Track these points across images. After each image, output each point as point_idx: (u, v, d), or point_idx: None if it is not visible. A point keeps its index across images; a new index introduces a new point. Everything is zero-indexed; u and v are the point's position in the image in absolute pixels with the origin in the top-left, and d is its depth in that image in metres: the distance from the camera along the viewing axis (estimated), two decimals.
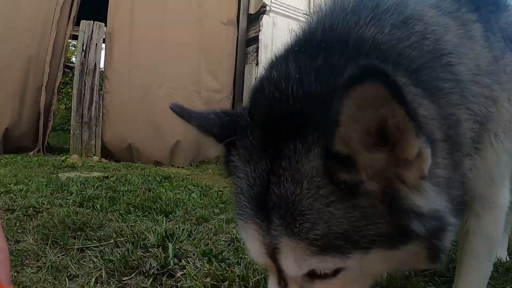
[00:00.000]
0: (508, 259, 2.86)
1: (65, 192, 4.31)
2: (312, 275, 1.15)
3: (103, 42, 9.14)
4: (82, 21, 8.88)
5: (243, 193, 1.18)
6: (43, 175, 5.56)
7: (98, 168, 6.93)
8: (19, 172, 5.76)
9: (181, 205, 3.87)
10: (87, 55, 8.73)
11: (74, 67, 9.71)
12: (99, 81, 9.07)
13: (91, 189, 4.51)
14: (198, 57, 9.74)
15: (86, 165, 7.12)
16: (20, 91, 8.63)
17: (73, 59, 18.53)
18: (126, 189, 4.62)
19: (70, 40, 9.81)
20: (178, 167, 8.63)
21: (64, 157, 7.81)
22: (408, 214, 1.07)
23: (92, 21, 8.86)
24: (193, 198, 4.30)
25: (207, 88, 9.77)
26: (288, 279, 1.20)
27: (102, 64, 9.19)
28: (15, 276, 2.09)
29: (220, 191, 4.88)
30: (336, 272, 1.14)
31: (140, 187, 4.79)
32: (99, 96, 8.82)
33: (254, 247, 1.20)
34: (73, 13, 9.07)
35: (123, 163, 8.01)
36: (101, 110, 8.85)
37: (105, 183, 4.99)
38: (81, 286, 2.03)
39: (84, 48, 8.77)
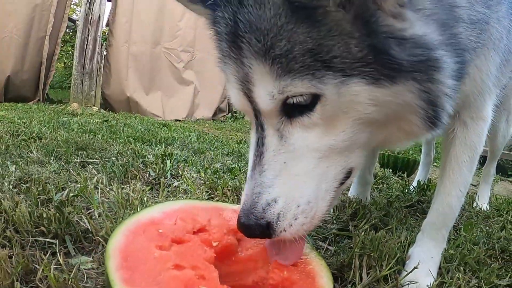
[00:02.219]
0: (488, 209, 3.04)
1: (66, 127, 4.43)
2: (289, 113, 1.15)
3: None
4: None
5: (221, 34, 1.20)
6: (44, 117, 5.68)
7: (97, 116, 7.04)
8: (21, 114, 5.89)
9: (179, 140, 4.00)
10: (92, 6, 8.79)
11: (75, 20, 9.81)
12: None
13: (93, 125, 4.64)
14: (195, 20, 9.89)
15: (86, 114, 7.24)
16: (23, 40, 8.69)
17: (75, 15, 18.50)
18: (126, 128, 4.75)
19: None
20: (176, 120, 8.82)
21: (64, 106, 7.91)
22: (386, 37, 1.06)
23: None
24: (191, 139, 4.42)
25: (201, 49, 9.91)
26: (264, 121, 1.20)
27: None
28: (20, 169, 2.22)
29: (217, 136, 5.03)
30: (313, 103, 1.11)
31: (140, 128, 4.92)
32: (101, 47, 8.91)
33: (232, 88, 1.23)
34: None
35: (122, 113, 8.13)
36: (103, 62, 8.96)
37: (105, 125, 5.11)
38: (83, 180, 2.13)
39: None
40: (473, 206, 3.00)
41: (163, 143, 3.61)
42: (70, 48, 16.68)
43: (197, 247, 1.18)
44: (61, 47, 10.24)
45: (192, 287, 1.03)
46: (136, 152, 2.86)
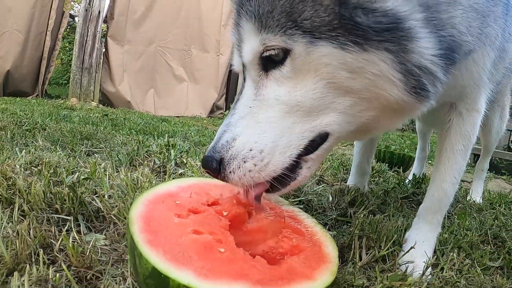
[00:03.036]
0: (481, 202, 3.14)
1: (67, 120, 4.49)
2: (266, 67, 1.26)
3: None
4: None
5: (233, 6, 1.36)
6: (44, 112, 5.75)
7: (97, 111, 7.10)
8: (21, 107, 5.95)
9: (180, 133, 4.07)
10: (92, 2, 8.86)
11: (74, 16, 9.90)
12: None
13: (93, 119, 4.71)
14: (188, 19, 10.08)
15: (85, 109, 7.30)
16: (24, 35, 8.76)
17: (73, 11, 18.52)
18: (127, 121, 4.82)
19: None
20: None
21: (63, 101, 7.97)
22: (355, 7, 1.15)
23: None
24: (191, 133, 4.49)
25: (196, 47, 10.04)
26: (247, 75, 1.33)
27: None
28: (30, 153, 2.29)
29: (215, 131, 5.08)
30: (284, 58, 1.21)
31: (140, 122, 4.99)
32: (100, 43, 8.99)
33: (234, 53, 1.41)
34: None
35: (121, 108, 8.19)
36: (101, 58, 9.05)
37: (106, 118, 5.18)
38: (92, 164, 2.20)
39: None
40: (467, 199, 3.10)
41: (166, 135, 3.67)
42: (67, 44, 16.69)
43: (213, 216, 1.26)
44: None
45: (212, 248, 1.10)
46: (140, 143, 2.92)
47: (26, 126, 3.55)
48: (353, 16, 1.15)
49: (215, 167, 1.25)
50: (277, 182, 1.29)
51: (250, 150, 1.24)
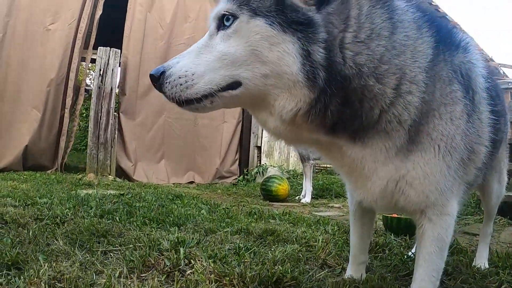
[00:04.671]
0: (487, 267, 3.13)
1: (86, 206, 4.72)
2: (218, 26, 1.71)
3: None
4: (99, 47, 9.47)
5: None
6: (63, 191, 6.00)
7: (113, 186, 7.37)
8: (40, 188, 6.23)
9: (191, 219, 4.27)
10: (104, 80, 9.26)
11: (89, 90, 10.36)
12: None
13: (109, 204, 4.94)
14: None
15: (102, 184, 7.57)
16: (40, 112, 9.14)
17: (88, 82, 19.12)
18: (141, 205, 5.04)
19: (83, 63, 10.46)
20: (188, 186, 9.14)
21: (81, 176, 8.26)
22: (288, 4, 1.62)
23: (109, 48, 9.45)
24: (202, 214, 4.68)
25: (202, 116, 10.46)
26: (209, 26, 1.76)
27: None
28: (52, 267, 2.50)
29: (228, 208, 5.29)
30: (232, 22, 1.65)
31: (154, 203, 5.22)
32: (114, 118, 9.35)
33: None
34: (92, 41, 9.71)
35: (136, 182, 8.44)
36: (116, 132, 9.40)
37: (122, 200, 5.43)
38: (107, 277, 2.41)
39: (101, 73, 9.31)
40: (472, 266, 3.09)
41: (176, 226, 3.86)
42: (84, 111, 17.11)
43: None
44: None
45: None
46: (152, 241, 3.13)
47: (46, 220, 3.78)
48: (284, 8, 1.61)
49: (157, 76, 1.70)
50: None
51: (186, 71, 1.67)
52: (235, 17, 1.64)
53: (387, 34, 1.67)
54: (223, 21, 1.68)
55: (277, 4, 1.61)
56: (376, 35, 1.66)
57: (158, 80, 1.70)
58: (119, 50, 9.68)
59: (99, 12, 9.78)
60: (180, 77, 1.67)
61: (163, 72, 1.70)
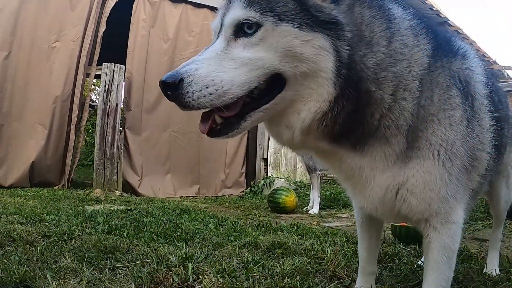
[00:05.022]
0: (498, 273, 3.12)
1: (93, 222, 4.72)
2: (236, 34, 1.66)
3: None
4: (104, 63, 9.53)
5: None
6: (71, 207, 6.00)
7: (120, 202, 7.35)
8: (48, 204, 6.23)
9: (199, 233, 4.25)
10: (109, 95, 9.30)
11: (95, 106, 10.42)
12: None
13: (116, 220, 4.92)
14: None
15: (109, 199, 7.56)
16: (47, 128, 9.18)
17: (93, 97, 19.22)
18: (149, 220, 5.03)
19: (87, 79, 10.52)
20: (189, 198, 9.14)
21: (88, 191, 8.26)
22: (312, 4, 1.63)
23: (113, 64, 9.50)
24: (210, 228, 4.67)
25: None
26: (221, 34, 1.70)
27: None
28: (60, 285, 2.49)
29: (235, 221, 5.27)
30: (256, 29, 1.62)
31: (161, 218, 5.21)
32: (120, 134, 9.38)
33: (215, 20, 1.81)
34: (96, 57, 9.80)
35: (144, 197, 8.44)
36: (122, 147, 9.42)
37: (129, 215, 5.42)
38: None
39: (106, 88, 9.34)
40: (482, 272, 3.07)
41: (184, 241, 3.85)
42: (90, 127, 17.13)
43: None
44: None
45: None
46: (160, 257, 3.11)
47: (54, 237, 3.78)
48: (309, 9, 1.62)
49: (175, 83, 1.56)
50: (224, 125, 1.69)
51: (213, 79, 1.57)
52: (258, 25, 1.61)
53: (385, 42, 1.71)
54: (243, 29, 1.63)
55: (301, 6, 1.61)
56: (376, 43, 1.70)
57: (177, 88, 1.57)
58: (124, 66, 9.73)
59: (102, 28, 9.83)
60: (207, 86, 1.56)
61: (181, 80, 1.57)
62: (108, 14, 9.86)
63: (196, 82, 1.55)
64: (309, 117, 1.65)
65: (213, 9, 10.58)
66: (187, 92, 1.56)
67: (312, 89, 1.63)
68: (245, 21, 1.62)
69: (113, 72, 9.43)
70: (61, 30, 9.54)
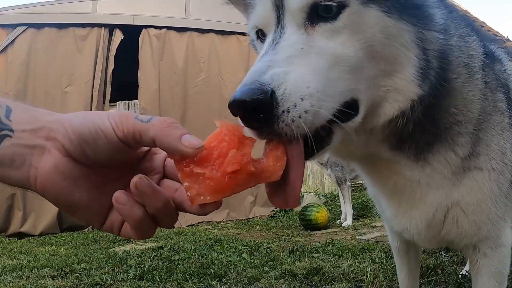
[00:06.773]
0: None
1: (125, 266, 4.63)
2: (312, 20, 1.22)
3: None
4: (118, 102, 9.59)
5: None
6: (101, 251, 5.94)
7: (151, 238, 7.25)
8: (78, 250, 6.20)
9: (233, 267, 4.13)
10: None
11: None
12: None
13: (148, 261, 4.83)
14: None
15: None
16: None
17: None
18: (180, 257, 4.92)
19: None
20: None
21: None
22: None
23: (127, 101, 9.55)
24: (244, 259, 4.55)
25: None
26: (287, 22, 1.23)
27: None
28: None
29: (269, 247, 5.14)
30: (337, 13, 1.21)
31: (193, 253, 5.09)
32: None
33: (261, 4, 1.32)
34: (108, 95, 9.88)
35: (174, 229, 8.36)
36: None
37: (160, 253, 5.32)
38: None
39: None
40: None
41: (217, 279, 3.74)
42: None
43: None
44: None
45: None
46: None
47: None
48: None
49: (267, 99, 1.01)
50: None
51: (308, 87, 1.08)
52: (342, 6, 1.20)
53: (455, 31, 1.53)
54: (318, 12, 1.21)
55: None
56: (454, 33, 1.52)
57: (271, 108, 1.02)
58: (137, 101, 9.74)
59: (111, 67, 9.90)
60: (303, 99, 1.06)
61: (272, 93, 1.02)
62: (115, 52, 9.94)
63: (291, 92, 1.04)
64: (381, 120, 1.37)
65: (219, 33, 10.58)
66: (283, 112, 1.03)
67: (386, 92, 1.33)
68: (324, 1, 1.20)
69: (128, 109, 9.46)
70: (72, 74, 9.67)
